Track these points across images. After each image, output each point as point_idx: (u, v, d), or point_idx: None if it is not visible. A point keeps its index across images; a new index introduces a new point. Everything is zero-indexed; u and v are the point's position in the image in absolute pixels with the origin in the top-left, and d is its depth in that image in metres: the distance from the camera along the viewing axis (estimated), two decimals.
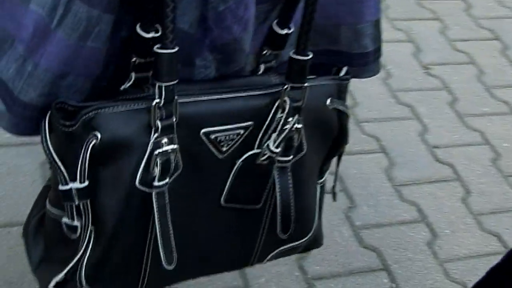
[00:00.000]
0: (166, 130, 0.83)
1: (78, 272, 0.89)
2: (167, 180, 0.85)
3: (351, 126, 1.88)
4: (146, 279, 0.93)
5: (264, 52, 0.92)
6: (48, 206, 0.91)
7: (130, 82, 0.84)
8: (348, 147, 1.83)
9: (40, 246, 0.95)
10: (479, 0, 2.51)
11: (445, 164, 1.86)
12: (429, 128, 1.96)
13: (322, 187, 1.05)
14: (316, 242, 1.07)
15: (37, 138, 1.73)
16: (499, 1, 2.54)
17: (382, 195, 1.73)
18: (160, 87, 0.81)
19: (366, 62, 1.02)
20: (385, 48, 2.21)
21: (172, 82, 0.81)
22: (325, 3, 0.92)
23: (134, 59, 0.82)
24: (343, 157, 1.81)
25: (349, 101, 1.94)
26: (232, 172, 0.91)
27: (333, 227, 1.63)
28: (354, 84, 2.04)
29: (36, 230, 0.96)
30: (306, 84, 0.90)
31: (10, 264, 1.38)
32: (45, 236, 0.95)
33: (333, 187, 1.07)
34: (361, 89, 2.02)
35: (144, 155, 0.83)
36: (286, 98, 0.89)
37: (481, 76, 2.18)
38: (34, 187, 1.53)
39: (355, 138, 1.87)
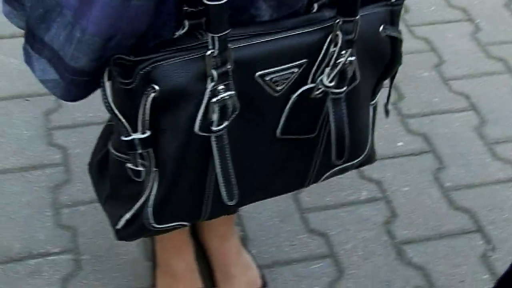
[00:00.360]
0: (222, 78, 0.83)
1: (145, 211, 0.92)
2: (225, 124, 0.86)
3: (438, 84, 1.81)
4: (207, 211, 0.95)
5: None
6: (111, 149, 0.93)
7: (184, 30, 0.84)
8: (435, 106, 1.77)
9: (105, 183, 0.99)
10: None
11: None
12: None
13: (375, 108, 1.05)
14: (370, 159, 1.08)
15: None
16: None
17: (473, 154, 1.65)
18: (213, 38, 0.81)
19: None
20: (473, 0, 2.10)
21: (225, 32, 0.81)
22: None
23: (185, 8, 0.82)
24: (430, 117, 1.74)
25: (435, 59, 1.87)
26: (287, 107, 0.91)
27: (421, 190, 1.56)
28: (440, 41, 1.96)
29: (100, 167, 1.00)
30: (357, 17, 0.87)
31: (97, 238, 1.41)
32: (109, 175, 0.98)
33: (386, 104, 1.06)
34: (447, 46, 1.92)
35: (202, 103, 0.84)
36: (339, 32, 0.87)
37: None
38: None
39: (442, 97, 1.78)
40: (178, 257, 1.27)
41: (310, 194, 1.53)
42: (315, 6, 0.91)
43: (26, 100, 1.67)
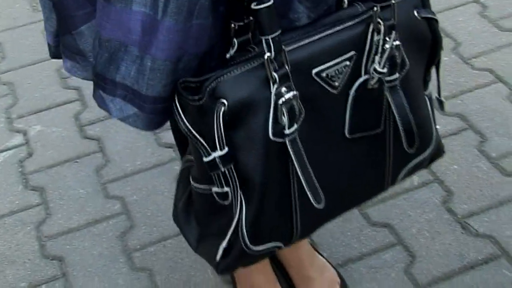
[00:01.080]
0: (283, 80, 0.87)
1: (240, 234, 0.94)
2: (295, 126, 0.89)
3: (460, 65, 1.86)
4: (298, 225, 0.97)
5: None
6: (194, 184, 0.96)
7: (235, 48, 0.88)
8: (463, 86, 1.82)
9: (193, 226, 1.01)
10: None
11: None
12: None
13: (430, 98, 1.07)
14: (438, 151, 1.09)
15: (166, 159, 1.80)
16: None
17: (511, 122, 1.68)
18: (267, 41, 0.85)
19: None
20: None
21: (277, 33, 0.85)
22: None
23: (233, 25, 0.86)
24: (460, 97, 1.78)
25: (451, 43, 1.92)
26: (349, 103, 0.94)
27: (469, 164, 1.59)
28: (452, 26, 2.01)
29: (185, 212, 1.02)
30: (393, 1, 0.92)
31: (173, 273, 1.45)
32: (196, 215, 1.00)
33: (438, 96, 1.08)
34: (460, 29, 1.98)
35: (269, 108, 0.87)
36: (379, 20, 0.91)
37: None
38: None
39: (467, 76, 1.83)
40: (257, 271, 1.30)
41: None
42: (345, 1, 0.96)
43: (75, 162, 1.74)
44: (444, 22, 1.99)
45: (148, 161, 1.72)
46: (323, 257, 1.39)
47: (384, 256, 1.44)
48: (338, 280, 1.36)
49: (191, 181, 0.98)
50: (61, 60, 2.14)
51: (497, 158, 1.60)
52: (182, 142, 1.13)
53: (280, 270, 1.37)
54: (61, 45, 0.97)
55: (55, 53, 1.01)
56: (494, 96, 1.76)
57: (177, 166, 1.70)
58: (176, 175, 1.66)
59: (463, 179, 1.57)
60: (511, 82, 1.79)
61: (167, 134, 1.78)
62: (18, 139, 1.82)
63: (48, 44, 1.01)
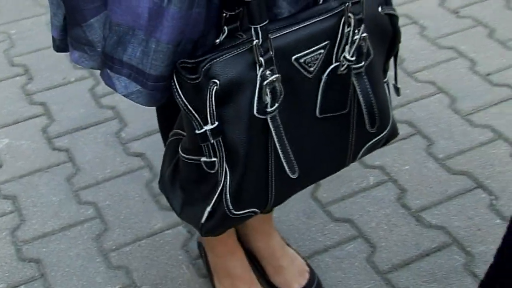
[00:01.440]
0: (268, 64, 0.98)
1: (224, 199, 1.04)
2: (276, 105, 1.00)
3: (406, 79, 2.03)
4: (272, 194, 1.08)
5: None
6: (183, 155, 1.06)
7: (225, 35, 0.99)
8: (409, 96, 1.97)
9: (178, 194, 1.11)
10: None
11: (501, 86, 1.96)
12: (476, 61, 2.07)
13: (387, 85, 1.20)
14: (393, 132, 1.21)
15: (135, 167, 1.87)
16: None
17: (454, 127, 1.84)
18: (256, 29, 0.96)
19: None
20: (413, 5, 2.35)
21: (265, 22, 0.96)
22: None
23: (224, 13, 0.98)
24: (408, 106, 1.94)
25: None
26: (321, 87, 1.06)
27: (420, 165, 1.74)
28: None
29: (171, 180, 1.11)
30: None
31: (150, 269, 1.52)
32: (181, 183, 1.10)
33: (395, 83, 1.20)
34: (403, 47, 2.12)
35: (255, 88, 0.98)
36: (350, 14, 1.03)
37: (509, 3, 2.30)
38: (145, 205, 1.68)
39: (412, 88, 1.99)
40: (232, 258, 1.39)
41: (325, 191, 1.69)
42: None
43: (46, 172, 1.79)
44: None
45: (117, 169, 1.79)
46: (293, 248, 1.49)
47: (347, 247, 1.55)
48: (307, 268, 1.46)
49: (181, 152, 1.07)
50: (25, 77, 2.19)
51: (443, 159, 1.75)
52: (167, 127, 1.22)
53: (254, 262, 1.46)
54: (69, 37, 1.05)
55: (59, 46, 1.09)
56: (437, 105, 1.93)
57: (146, 173, 1.78)
58: (146, 181, 1.76)
59: (414, 178, 1.71)
60: (452, 93, 1.96)
61: (134, 144, 1.86)
62: None
63: (53, 38, 1.09)
